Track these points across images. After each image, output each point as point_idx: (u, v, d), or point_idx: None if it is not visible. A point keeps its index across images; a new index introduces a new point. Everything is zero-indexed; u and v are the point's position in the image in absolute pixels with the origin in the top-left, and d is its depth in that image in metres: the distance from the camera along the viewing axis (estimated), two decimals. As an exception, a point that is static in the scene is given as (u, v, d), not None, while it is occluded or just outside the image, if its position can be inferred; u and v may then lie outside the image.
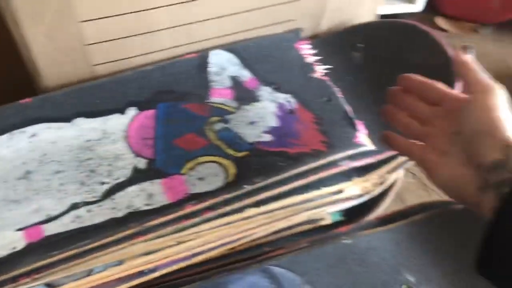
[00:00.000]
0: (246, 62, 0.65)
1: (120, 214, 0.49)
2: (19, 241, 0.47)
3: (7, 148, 0.54)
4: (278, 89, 0.63)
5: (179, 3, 0.59)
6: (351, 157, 0.56)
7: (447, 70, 0.59)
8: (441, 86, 0.44)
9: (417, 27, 0.67)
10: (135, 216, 0.49)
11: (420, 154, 0.43)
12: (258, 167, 0.53)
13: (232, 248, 0.57)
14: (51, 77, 0.59)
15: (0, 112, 0.57)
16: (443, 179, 0.41)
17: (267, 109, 0.60)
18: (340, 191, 0.58)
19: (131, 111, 0.59)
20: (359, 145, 0.56)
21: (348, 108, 0.60)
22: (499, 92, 0.38)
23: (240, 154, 0.55)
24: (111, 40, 0.59)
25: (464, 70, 0.41)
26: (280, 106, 0.60)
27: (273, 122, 0.58)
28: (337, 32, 0.73)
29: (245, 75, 0.64)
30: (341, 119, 0.59)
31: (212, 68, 0.64)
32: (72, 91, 0.59)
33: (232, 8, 0.64)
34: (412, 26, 0.67)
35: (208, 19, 0.63)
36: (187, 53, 0.65)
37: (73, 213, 0.49)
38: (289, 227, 0.59)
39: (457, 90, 0.50)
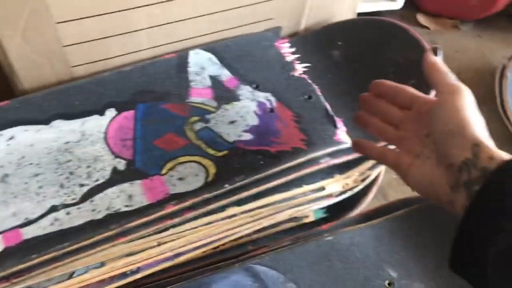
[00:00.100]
0: (225, 62, 0.65)
1: (99, 216, 0.49)
2: (-3, 245, 0.46)
3: (-16, 152, 0.53)
4: (258, 88, 0.63)
5: (157, 3, 0.58)
6: (332, 155, 0.56)
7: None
8: (411, 90, 0.45)
9: (395, 24, 0.67)
10: (115, 218, 0.48)
11: (394, 158, 0.44)
12: (239, 166, 0.53)
13: (216, 248, 0.57)
14: (28, 79, 0.59)
15: (-23, 115, 0.56)
16: (417, 181, 0.41)
17: (247, 108, 0.60)
18: (322, 189, 0.58)
19: (110, 112, 0.58)
20: (339, 142, 0.56)
21: (328, 106, 0.60)
22: (466, 93, 0.39)
23: (220, 154, 0.55)
24: (89, 41, 0.58)
25: (432, 72, 0.41)
26: (260, 105, 0.60)
27: (253, 121, 0.58)
28: (317, 30, 0.73)
29: (225, 74, 0.64)
30: (321, 117, 0.59)
31: (191, 67, 0.64)
32: (51, 93, 0.59)
33: (211, 8, 0.63)
34: (390, 24, 0.67)
35: (186, 19, 0.63)
36: (166, 53, 0.65)
37: (52, 215, 0.49)
38: (273, 225, 0.60)
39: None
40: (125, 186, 0.51)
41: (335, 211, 0.63)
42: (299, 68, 0.66)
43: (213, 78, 0.63)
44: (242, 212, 0.54)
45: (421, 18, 1.04)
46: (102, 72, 0.62)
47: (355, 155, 0.57)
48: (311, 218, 0.62)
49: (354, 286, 0.53)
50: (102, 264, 0.50)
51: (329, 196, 0.59)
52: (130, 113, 0.58)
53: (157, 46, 0.64)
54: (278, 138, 0.56)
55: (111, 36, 0.59)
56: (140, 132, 0.56)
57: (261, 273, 0.53)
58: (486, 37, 1.01)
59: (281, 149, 0.55)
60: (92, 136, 0.56)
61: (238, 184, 0.52)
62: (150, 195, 0.50)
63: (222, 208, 0.53)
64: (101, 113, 0.58)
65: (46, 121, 0.56)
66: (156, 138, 0.56)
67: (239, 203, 0.53)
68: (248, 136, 0.57)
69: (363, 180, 0.61)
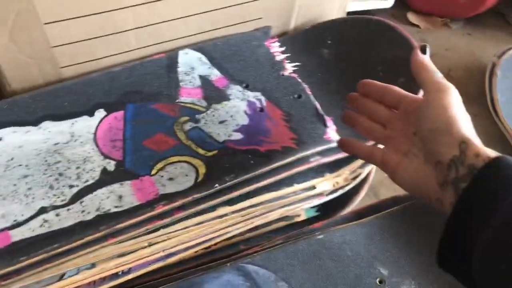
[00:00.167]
0: (215, 61, 0.65)
1: (89, 217, 0.48)
2: (-15, 248, 0.46)
3: (-28, 154, 0.53)
4: (248, 87, 0.63)
5: (145, 3, 0.58)
6: (322, 153, 0.56)
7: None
8: (398, 89, 0.46)
9: (384, 23, 0.67)
10: (104, 219, 0.48)
11: (381, 157, 0.45)
12: (229, 165, 0.53)
13: (208, 248, 0.57)
14: (16, 81, 0.59)
15: (-35, 117, 0.56)
16: (405, 179, 0.42)
17: (237, 108, 0.60)
18: (312, 187, 0.58)
19: (99, 113, 0.58)
20: (329, 141, 0.56)
21: (317, 104, 0.60)
22: (453, 91, 0.39)
23: (210, 153, 0.55)
24: (77, 41, 0.58)
25: (419, 70, 0.42)
26: (250, 104, 0.60)
27: (244, 121, 0.58)
28: (306, 29, 0.73)
29: (215, 74, 0.64)
30: (311, 116, 0.59)
31: (181, 67, 0.64)
32: (39, 94, 0.58)
33: (199, 8, 0.63)
34: (379, 22, 0.68)
35: (175, 19, 0.63)
36: (155, 53, 0.65)
37: (41, 217, 0.48)
38: (264, 225, 0.60)
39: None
40: (115, 187, 0.51)
41: (327, 209, 0.63)
42: (289, 67, 0.66)
43: (203, 78, 0.63)
44: (233, 212, 0.54)
45: (411, 17, 1.04)
46: (91, 73, 0.62)
47: (345, 154, 0.57)
48: (302, 217, 0.63)
49: (345, 284, 0.53)
50: (93, 265, 0.50)
51: (320, 195, 0.59)
52: (119, 114, 0.58)
53: (146, 47, 0.64)
54: (268, 138, 0.56)
55: (99, 36, 0.59)
56: (130, 132, 0.56)
57: (253, 273, 0.53)
58: (476, 35, 1.02)
59: (271, 148, 0.55)
60: (82, 137, 0.56)
61: (228, 183, 0.51)
62: (140, 196, 0.50)
63: (213, 208, 0.53)
64: (90, 114, 0.58)
65: (35, 122, 0.56)
66: (146, 139, 0.56)
67: (230, 202, 0.53)
68: (238, 136, 0.57)
69: (354, 179, 0.61)
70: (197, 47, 0.66)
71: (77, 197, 0.50)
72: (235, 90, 0.62)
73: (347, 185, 0.60)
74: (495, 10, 1.05)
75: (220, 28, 0.68)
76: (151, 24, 0.62)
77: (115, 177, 0.52)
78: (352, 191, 0.63)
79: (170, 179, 0.52)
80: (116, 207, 0.49)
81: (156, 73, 0.63)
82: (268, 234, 0.61)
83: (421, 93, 0.58)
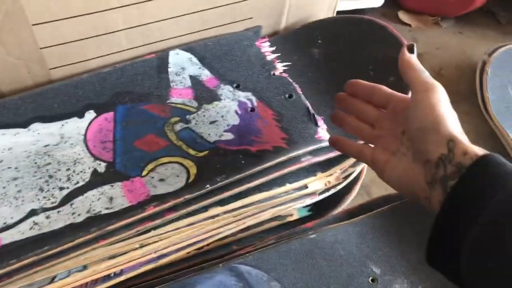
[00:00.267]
0: (205, 61, 0.65)
1: (80, 219, 0.48)
2: (-25, 251, 0.46)
3: (-39, 157, 0.53)
4: (238, 87, 0.63)
5: (134, 3, 0.58)
6: (313, 153, 0.56)
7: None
8: (386, 89, 0.46)
9: (374, 22, 0.67)
10: (95, 221, 0.48)
11: (371, 155, 0.45)
12: (220, 166, 0.53)
13: (200, 248, 0.57)
14: (5, 82, 0.58)
15: (-46, 120, 0.55)
16: (394, 178, 0.42)
17: (228, 108, 0.60)
18: (304, 187, 0.58)
19: (89, 114, 0.58)
20: (320, 140, 0.56)
21: (308, 104, 0.60)
22: (440, 90, 0.39)
23: (201, 154, 0.54)
24: (67, 42, 0.58)
25: (407, 70, 0.42)
26: (241, 104, 0.60)
27: (234, 121, 0.58)
28: (297, 29, 0.73)
29: (205, 74, 0.64)
30: (302, 115, 0.59)
31: (171, 68, 0.64)
32: (28, 96, 0.58)
33: (189, 8, 0.63)
34: (370, 21, 0.68)
35: (165, 19, 0.62)
36: (146, 54, 0.65)
37: (31, 220, 0.48)
38: (256, 225, 0.60)
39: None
40: (106, 188, 0.51)
41: (319, 209, 0.64)
42: (280, 67, 0.66)
43: (194, 78, 0.63)
44: (225, 212, 0.54)
45: (402, 16, 1.05)
46: (80, 74, 0.62)
47: (336, 153, 0.57)
48: (295, 217, 0.63)
49: (338, 283, 0.53)
50: (84, 267, 0.49)
51: (312, 194, 0.59)
52: (109, 115, 0.58)
53: (136, 47, 0.64)
54: (259, 138, 0.56)
55: (89, 37, 0.59)
56: (120, 133, 0.56)
57: (245, 273, 0.53)
58: (466, 33, 1.02)
59: (262, 148, 0.55)
60: (72, 139, 0.55)
61: (219, 184, 0.51)
62: (131, 197, 0.50)
63: (204, 209, 0.52)
64: (80, 115, 0.57)
65: (24, 124, 0.56)
66: (137, 140, 0.56)
67: (222, 203, 0.53)
68: (229, 136, 0.56)
69: (345, 178, 0.61)
70: (188, 47, 0.66)
71: (67, 199, 0.50)
72: (226, 90, 0.62)
73: (339, 184, 0.60)
74: (485, 9, 1.06)
75: (210, 28, 0.68)
76: (141, 25, 0.61)
77: (105, 179, 0.52)
78: (344, 190, 0.63)
79: (161, 180, 0.52)
80: (107, 208, 0.49)
81: (147, 73, 0.62)
82: (260, 234, 0.61)
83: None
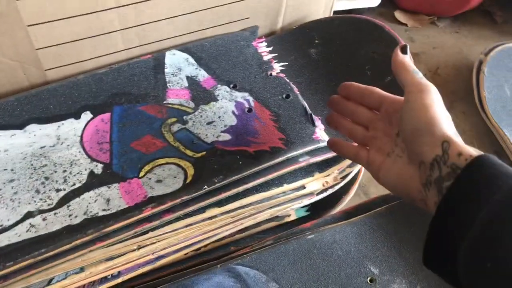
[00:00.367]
0: (202, 62, 0.65)
1: (77, 221, 0.48)
2: (-29, 254, 0.45)
3: (-44, 159, 0.52)
4: (235, 87, 0.62)
5: (130, 4, 0.58)
6: (311, 153, 0.56)
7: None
8: (379, 91, 0.46)
9: (371, 21, 0.67)
10: (92, 222, 0.48)
11: (366, 157, 0.45)
12: (218, 166, 0.53)
13: (198, 249, 0.56)
14: (1, 84, 0.58)
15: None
16: (389, 180, 0.42)
17: (225, 108, 0.59)
18: (302, 187, 0.58)
19: (86, 115, 0.57)
20: (318, 141, 0.56)
21: (306, 104, 0.60)
22: (433, 91, 0.39)
23: (199, 155, 0.54)
24: (62, 43, 0.58)
25: (400, 71, 0.42)
26: (238, 105, 0.60)
27: (232, 121, 0.58)
28: (293, 29, 0.73)
29: (202, 74, 0.64)
30: (300, 115, 0.59)
31: (168, 68, 0.63)
32: (24, 97, 0.58)
33: (186, 8, 0.63)
34: (366, 21, 0.68)
35: (161, 20, 0.62)
36: (142, 55, 0.65)
37: (28, 222, 0.48)
38: (254, 225, 0.59)
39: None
40: (103, 190, 0.51)
41: (317, 209, 0.63)
42: (277, 67, 0.66)
43: (190, 79, 0.63)
44: (223, 213, 0.54)
45: (398, 15, 1.05)
46: (76, 75, 0.61)
47: (334, 153, 0.57)
48: (293, 217, 0.63)
49: (336, 283, 0.53)
50: (82, 269, 0.49)
51: (310, 194, 0.59)
52: (106, 116, 0.58)
53: (132, 48, 0.63)
54: (256, 138, 0.56)
55: (85, 38, 0.59)
56: (117, 134, 0.56)
57: (243, 274, 0.53)
58: (463, 33, 1.02)
59: (260, 149, 0.55)
60: (68, 140, 0.55)
61: (217, 185, 0.51)
62: (128, 199, 0.50)
63: (202, 210, 0.52)
64: (76, 116, 0.57)
65: (20, 126, 0.56)
66: (133, 141, 0.55)
67: (219, 204, 0.53)
68: (226, 137, 0.56)
69: (343, 178, 0.61)
70: (184, 47, 0.66)
71: (64, 201, 0.50)
72: (223, 91, 0.62)
73: (336, 184, 0.60)
74: (481, 8, 1.06)
75: (207, 28, 0.68)
76: (137, 25, 0.61)
77: (102, 180, 0.51)
78: (342, 190, 0.63)
79: (158, 181, 0.51)
80: (104, 210, 0.49)
81: (143, 74, 0.62)
82: (258, 235, 0.61)
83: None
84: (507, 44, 0.87)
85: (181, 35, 0.66)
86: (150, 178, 0.52)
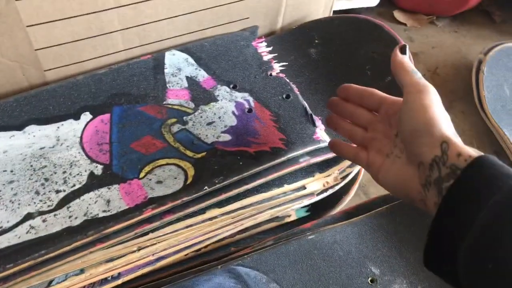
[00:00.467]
0: (202, 62, 0.65)
1: (77, 222, 0.48)
2: (-30, 256, 0.45)
3: (-45, 160, 0.52)
4: (235, 88, 0.62)
5: (130, 4, 0.58)
6: (311, 153, 0.56)
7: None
8: (378, 92, 0.46)
9: (370, 21, 0.67)
10: (92, 224, 0.47)
11: (366, 159, 0.45)
12: (218, 167, 0.53)
13: (198, 250, 0.56)
14: (0, 84, 0.58)
15: None
16: (389, 180, 0.42)
17: (225, 109, 0.59)
18: (302, 188, 0.58)
19: (85, 116, 0.57)
20: (318, 141, 0.56)
21: (306, 104, 0.60)
22: (432, 92, 0.39)
23: (199, 155, 0.54)
24: (62, 44, 0.57)
25: (399, 71, 0.42)
26: (238, 105, 0.60)
27: (232, 122, 0.58)
28: (293, 29, 0.73)
29: (202, 75, 0.63)
30: (300, 116, 0.59)
31: (168, 69, 0.63)
32: (23, 98, 0.57)
33: (185, 8, 0.63)
34: (366, 21, 0.68)
35: (161, 20, 0.62)
36: (142, 55, 0.64)
37: (28, 223, 0.47)
38: (255, 226, 0.59)
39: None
40: (103, 191, 0.50)
41: (317, 209, 0.63)
42: (277, 67, 0.66)
43: (190, 79, 0.63)
44: (223, 214, 0.53)
45: (397, 15, 1.05)
46: (76, 75, 0.61)
47: (334, 154, 0.57)
48: (293, 218, 0.62)
49: (337, 284, 0.53)
50: (82, 271, 0.49)
51: (311, 194, 0.59)
52: (106, 117, 0.57)
53: (132, 48, 0.63)
54: (257, 139, 0.56)
55: (84, 38, 0.58)
56: (117, 135, 0.56)
57: (244, 275, 0.53)
58: (462, 32, 1.02)
59: (260, 149, 0.55)
60: (68, 141, 0.55)
61: (217, 185, 0.51)
62: (128, 200, 0.50)
63: (203, 211, 0.52)
64: (76, 117, 0.57)
65: (20, 127, 0.55)
66: (133, 141, 0.55)
67: (220, 204, 0.53)
68: (226, 137, 0.56)
69: (343, 178, 0.61)
70: (184, 48, 0.66)
71: (64, 202, 0.49)
72: (222, 91, 0.62)
73: (337, 184, 0.60)
74: (480, 8, 1.06)
75: (207, 28, 0.67)
76: (137, 25, 0.61)
77: (102, 181, 0.51)
78: (342, 190, 0.63)
79: (159, 182, 0.51)
80: (104, 211, 0.49)
81: (143, 74, 0.62)
82: (258, 236, 0.61)
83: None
84: (506, 43, 0.87)
85: (180, 35, 0.66)
86: (150, 179, 0.52)
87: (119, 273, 0.51)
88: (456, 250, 0.33)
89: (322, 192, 0.59)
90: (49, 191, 0.50)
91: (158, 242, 0.51)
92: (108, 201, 0.50)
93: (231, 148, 0.55)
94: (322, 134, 0.57)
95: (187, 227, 0.52)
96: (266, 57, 0.67)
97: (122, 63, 0.63)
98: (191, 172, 0.52)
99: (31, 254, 0.45)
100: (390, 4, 1.07)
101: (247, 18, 0.69)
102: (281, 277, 0.53)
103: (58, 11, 0.54)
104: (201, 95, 0.61)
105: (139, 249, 0.51)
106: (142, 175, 0.52)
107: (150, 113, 0.58)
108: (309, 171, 0.58)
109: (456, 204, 0.33)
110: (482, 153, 0.35)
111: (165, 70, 0.63)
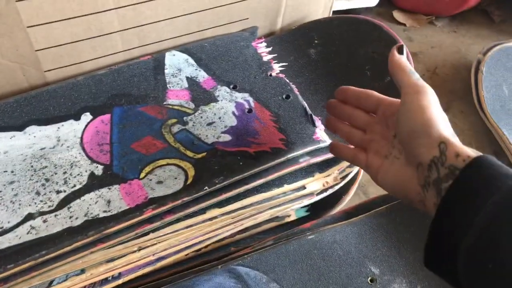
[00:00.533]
0: (202, 63, 0.65)
1: (77, 222, 0.48)
2: (-29, 256, 0.45)
3: (-44, 161, 0.52)
4: (235, 88, 0.62)
5: (130, 5, 0.58)
6: (311, 154, 0.56)
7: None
8: (375, 94, 0.46)
9: (370, 21, 0.67)
10: (93, 224, 0.47)
11: (364, 160, 0.46)
12: (218, 167, 0.53)
13: (198, 250, 0.56)
14: (0, 85, 0.58)
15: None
16: (388, 181, 0.42)
17: (225, 109, 0.59)
18: (302, 188, 0.58)
19: (86, 117, 0.57)
20: (318, 141, 0.56)
21: (306, 105, 0.60)
22: (429, 92, 0.39)
23: (199, 156, 0.54)
24: (62, 44, 0.57)
25: (397, 72, 0.42)
26: (238, 106, 0.60)
27: (232, 122, 0.58)
28: (293, 29, 0.73)
29: (202, 75, 0.63)
30: (300, 116, 0.59)
31: (168, 69, 0.63)
32: (24, 99, 0.57)
33: (185, 9, 0.63)
34: (365, 21, 0.68)
35: (161, 20, 0.62)
36: (142, 55, 0.64)
37: (28, 224, 0.47)
38: (255, 226, 0.59)
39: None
40: (103, 191, 0.51)
41: (317, 209, 0.64)
42: (276, 68, 0.66)
43: (190, 80, 0.63)
44: (223, 214, 0.54)
45: (397, 15, 1.05)
46: (76, 76, 0.61)
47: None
48: (293, 217, 0.63)
49: (337, 284, 0.53)
50: (82, 271, 0.49)
51: (310, 194, 0.59)
52: (106, 117, 0.57)
53: (132, 49, 0.63)
54: (257, 139, 0.56)
55: (84, 39, 0.59)
56: (117, 136, 0.56)
57: (244, 274, 0.53)
58: (461, 32, 1.03)
59: (260, 149, 0.55)
60: (68, 142, 0.55)
61: (218, 186, 0.51)
62: (129, 200, 0.50)
63: (203, 211, 0.52)
64: (76, 117, 0.57)
65: (20, 127, 0.55)
66: (134, 142, 0.55)
67: (220, 205, 0.53)
68: (226, 138, 0.56)
69: (343, 178, 0.61)
70: (184, 48, 0.66)
71: (64, 203, 0.49)
72: (223, 91, 0.62)
73: (336, 184, 0.60)
74: (479, 8, 1.06)
75: (207, 29, 0.67)
76: (137, 26, 0.61)
77: (103, 182, 0.51)
78: (342, 190, 0.63)
79: (159, 182, 0.51)
80: (104, 212, 0.49)
81: (143, 75, 0.62)
82: (258, 236, 0.61)
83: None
84: (505, 43, 0.87)
85: (180, 36, 0.66)
86: (150, 179, 0.52)
87: (119, 273, 0.51)
88: (456, 250, 0.33)
89: (321, 192, 0.59)
90: (50, 192, 0.50)
91: (159, 242, 0.51)
92: (109, 202, 0.50)
93: (231, 148, 0.55)
94: (322, 134, 0.57)
95: (187, 227, 0.52)
96: (266, 58, 0.67)
97: (122, 63, 0.63)
98: (191, 172, 0.52)
99: (32, 254, 0.45)
100: (389, 4, 1.07)
101: (247, 18, 0.70)
102: (281, 277, 0.53)
103: (58, 12, 0.54)
104: (201, 96, 0.61)
105: (140, 249, 0.51)
106: (142, 175, 0.52)
107: (151, 113, 0.58)
108: (309, 171, 0.58)
109: (455, 205, 0.34)
110: (480, 153, 0.35)
111: (165, 71, 0.63)
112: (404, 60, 0.42)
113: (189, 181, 0.52)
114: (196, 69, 0.64)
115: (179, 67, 0.64)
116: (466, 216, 0.32)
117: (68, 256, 0.47)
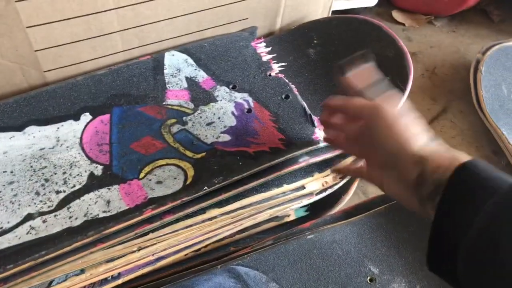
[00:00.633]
0: (201, 63, 0.65)
1: (77, 223, 0.48)
2: (-29, 257, 0.45)
3: (-44, 161, 0.52)
4: (235, 88, 0.62)
5: (129, 5, 0.58)
6: (310, 153, 0.56)
7: (400, 61, 0.60)
8: (357, 102, 0.43)
9: (369, 21, 0.68)
10: (93, 224, 0.48)
11: (367, 174, 0.45)
12: (218, 167, 0.53)
13: (198, 250, 0.56)
14: (0, 85, 0.58)
15: None
16: (391, 193, 0.43)
17: (224, 109, 0.60)
18: (302, 188, 0.58)
19: (85, 117, 0.57)
20: (317, 141, 0.56)
21: (305, 105, 0.60)
22: (382, 111, 0.39)
23: (198, 156, 0.54)
24: (61, 45, 0.57)
25: (347, 96, 0.42)
26: (238, 106, 0.60)
27: (231, 122, 0.58)
28: (292, 29, 0.73)
29: (201, 75, 0.63)
30: (299, 116, 0.59)
31: (167, 69, 0.63)
32: (23, 99, 0.57)
33: (185, 9, 0.63)
34: (364, 21, 0.68)
35: (160, 21, 0.62)
36: (141, 56, 0.64)
37: (28, 224, 0.48)
38: (254, 226, 0.59)
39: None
40: (103, 191, 0.51)
41: (316, 209, 0.64)
42: (276, 68, 0.66)
43: (190, 80, 0.63)
44: (223, 214, 0.54)
45: (396, 15, 1.05)
46: (75, 76, 0.61)
47: (333, 153, 0.57)
48: (292, 217, 0.63)
49: (336, 283, 0.53)
50: (82, 271, 0.49)
51: (310, 194, 0.59)
52: (105, 117, 0.57)
53: (131, 49, 0.63)
54: (256, 139, 0.56)
55: (84, 39, 0.59)
56: (117, 136, 0.56)
57: (244, 274, 0.53)
58: (460, 32, 1.03)
59: (259, 149, 0.55)
60: (67, 142, 0.55)
61: (217, 186, 0.51)
62: (128, 200, 0.50)
63: (202, 211, 0.52)
64: (75, 118, 0.57)
65: (19, 128, 0.55)
66: (133, 142, 0.55)
67: (219, 204, 0.53)
68: (226, 138, 0.56)
69: (342, 178, 0.61)
70: (183, 48, 0.66)
71: (64, 203, 0.49)
72: (222, 92, 0.62)
73: (336, 184, 0.60)
74: (478, 7, 1.06)
75: (206, 29, 0.67)
76: (136, 26, 0.61)
77: (102, 182, 0.51)
78: (341, 190, 0.63)
79: (159, 182, 0.51)
80: (104, 212, 0.49)
81: (142, 75, 0.62)
82: (258, 235, 0.61)
83: (407, 90, 0.58)
84: (504, 43, 0.87)
85: (180, 36, 0.66)
86: (150, 180, 0.52)
87: (119, 273, 0.51)
88: (456, 250, 0.33)
89: (321, 191, 0.59)
90: (49, 192, 0.50)
91: (158, 242, 0.51)
92: (108, 202, 0.50)
93: (231, 148, 0.55)
94: (321, 134, 0.57)
95: (187, 227, 0.52)
96: (265, 58, 0.67)
97: (122, 64, 0.63)
98: (190, 172, 0.52)
99: (32, 254, 0.45)
100: (388, 4, 1.07)
101: (246, 18, 0.70)
102: (280, 277, 0.53)
103: (57, 12, 0.54)
104: (200, 96, 0.61)
105: (139, 249, 0.51)
106: (142, 175, 0.52)
107: (150, 113, 0.58)
108: (308, 171, 0.58)
109: (449, 215, 0.34)
110: (458, 157, 0.35)
111: (165, 71, 0.63)
112: (351, 81, 0.42)
113: (188, 181, 0.52)
114: (195, 69, 0.64)
115: (179, 67, 0.64)
116: (465, 216, 0.33)
117: (67, 256, 0.47)
